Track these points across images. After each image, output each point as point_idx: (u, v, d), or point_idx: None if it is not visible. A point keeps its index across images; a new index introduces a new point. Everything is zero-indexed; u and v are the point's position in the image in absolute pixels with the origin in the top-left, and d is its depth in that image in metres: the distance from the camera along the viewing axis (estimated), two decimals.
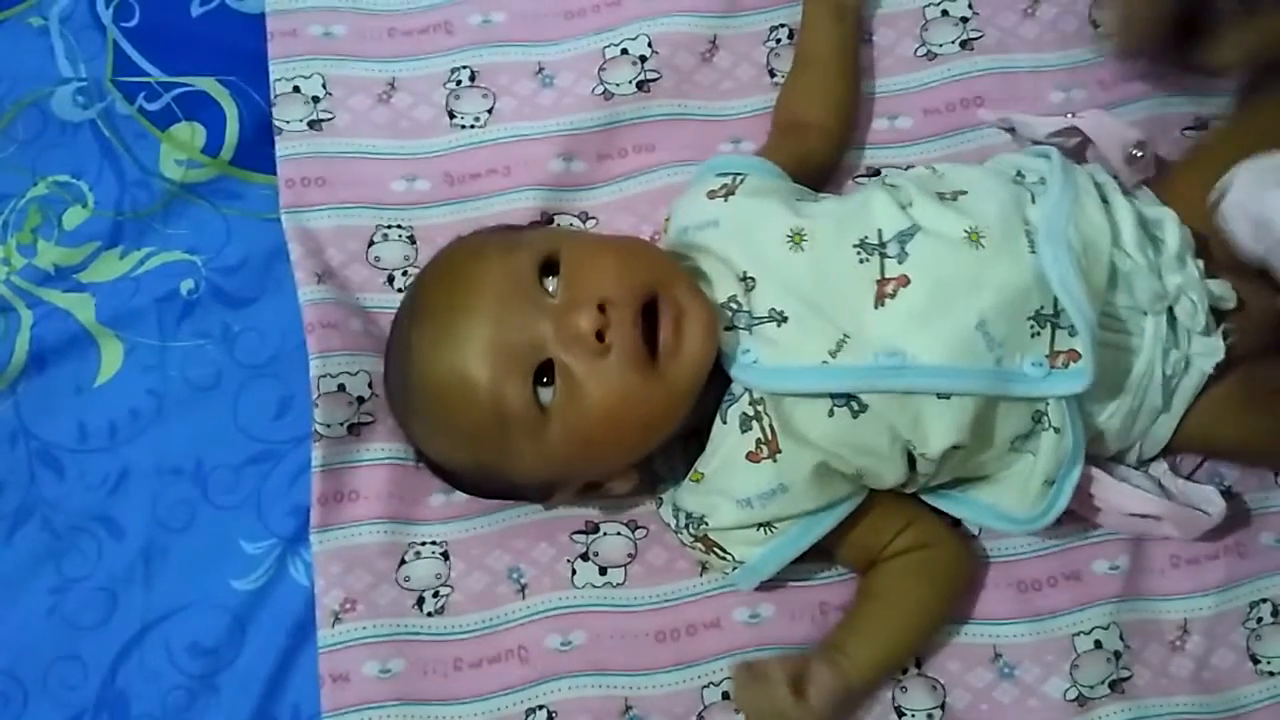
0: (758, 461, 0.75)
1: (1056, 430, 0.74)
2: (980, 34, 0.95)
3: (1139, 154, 0.82)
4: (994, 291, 0.72)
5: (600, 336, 0.70)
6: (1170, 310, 0.76)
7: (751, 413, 0.75)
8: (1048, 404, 0.74)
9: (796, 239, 0.76)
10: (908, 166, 0.91)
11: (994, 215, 0.75)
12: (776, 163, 0.85)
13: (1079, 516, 0.81)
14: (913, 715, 0.80)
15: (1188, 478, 0.83)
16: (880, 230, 0.75)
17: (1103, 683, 0.80)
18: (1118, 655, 0.80)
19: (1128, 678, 0.80)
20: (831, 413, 0.73)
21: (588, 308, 0.70)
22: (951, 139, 0.93)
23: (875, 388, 0.72)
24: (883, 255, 0.74)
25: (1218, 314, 0.78)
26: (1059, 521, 0.82)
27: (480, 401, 0.72)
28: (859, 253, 0.74)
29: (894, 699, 0.80)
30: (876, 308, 0.73)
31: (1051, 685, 0.80)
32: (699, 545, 0.79)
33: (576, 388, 0.71)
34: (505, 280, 0.73)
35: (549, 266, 0.74)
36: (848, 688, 0.76)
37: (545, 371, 0.71)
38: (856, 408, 0.73)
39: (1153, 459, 0.82)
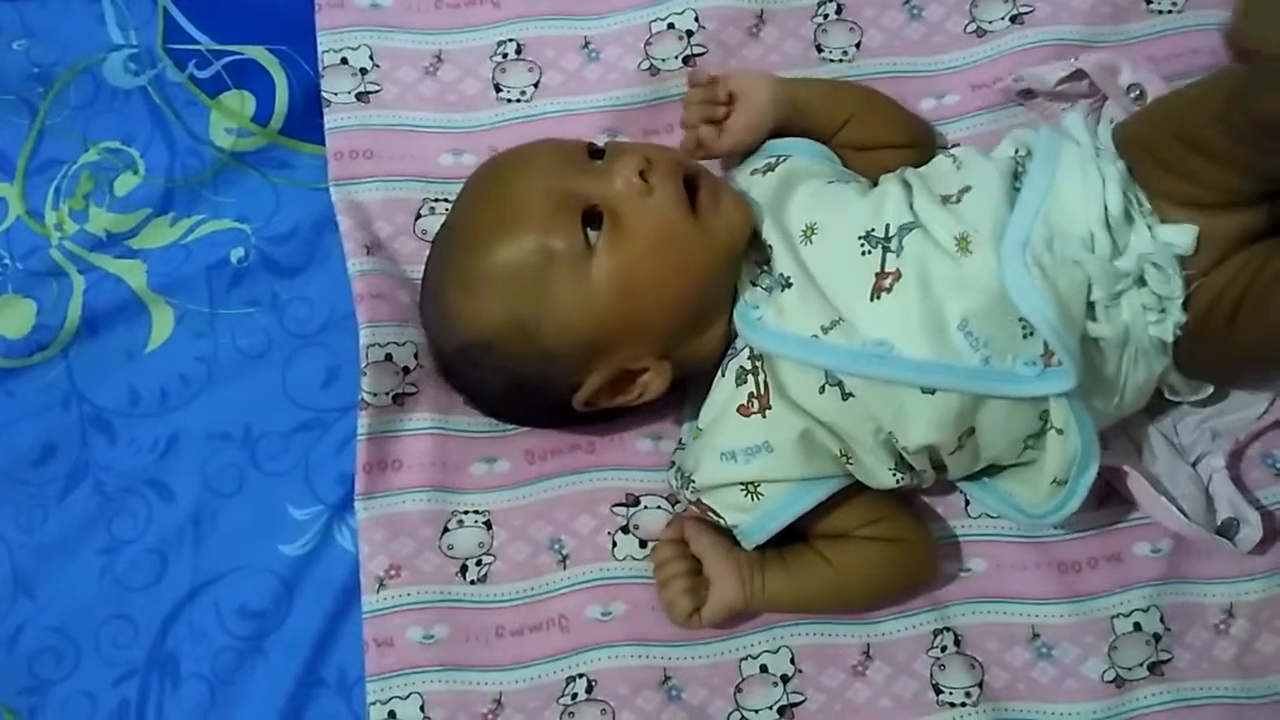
0: (747, 415, 0.76)
1: (1059, 431, 0.74)
2: (1031, 9, 0.94)
3: (1135, 94, 0.84)
4: (977, 295, 0.73)
5: (644, 179, 0.75)
6: (1143, 280, 0.74)
7: (749, 367, 0.77)
8: (1049, 404, 0.74)
9: (808, 233, 0.78)
10: (954, 144, 0.91)
11: (986, 219, 0.75)
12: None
13: (1121, 498, 0.82)
14: (950, 693, 0.80)
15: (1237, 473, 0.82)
16: (887, 225, 0.76)
17: (1141, 665, 0.80)
18: (1157, 638, 0.80)
19: (1168, 660, 0.80)
20: (823, 390, 0.75)
21: (633, 158, 0.76)
22: (996, 113, 0.92)
23: (858, 372, 0.73)
24: (885, 249, 0.75)
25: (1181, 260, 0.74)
26: (1100, 503, 0.82)
27: (528, 233, 0.75)
28: (863, 245, 0.76)
29: (931, 676, 0.81)
30: (872, 300, 0.74)
31: (1090, 666, 0.80)
32: (695, 509, 0.80)
33: (620, 223, 0.74)
34: (556, 151, 0.79)
35: (597, 153, 0.79)
36: (744, 610, 0.80)
37: (593, 219, 0.75)
38: (845, 391, 0.74)
39: (1213, 437, 0.82)
